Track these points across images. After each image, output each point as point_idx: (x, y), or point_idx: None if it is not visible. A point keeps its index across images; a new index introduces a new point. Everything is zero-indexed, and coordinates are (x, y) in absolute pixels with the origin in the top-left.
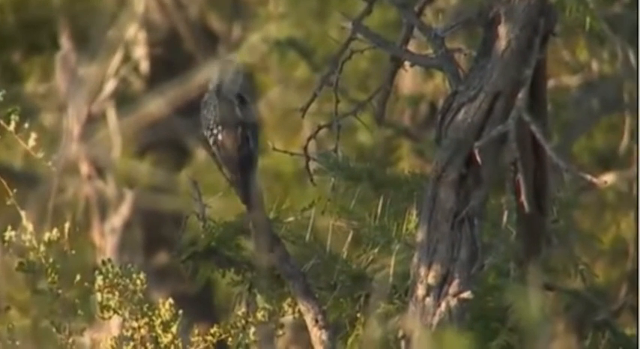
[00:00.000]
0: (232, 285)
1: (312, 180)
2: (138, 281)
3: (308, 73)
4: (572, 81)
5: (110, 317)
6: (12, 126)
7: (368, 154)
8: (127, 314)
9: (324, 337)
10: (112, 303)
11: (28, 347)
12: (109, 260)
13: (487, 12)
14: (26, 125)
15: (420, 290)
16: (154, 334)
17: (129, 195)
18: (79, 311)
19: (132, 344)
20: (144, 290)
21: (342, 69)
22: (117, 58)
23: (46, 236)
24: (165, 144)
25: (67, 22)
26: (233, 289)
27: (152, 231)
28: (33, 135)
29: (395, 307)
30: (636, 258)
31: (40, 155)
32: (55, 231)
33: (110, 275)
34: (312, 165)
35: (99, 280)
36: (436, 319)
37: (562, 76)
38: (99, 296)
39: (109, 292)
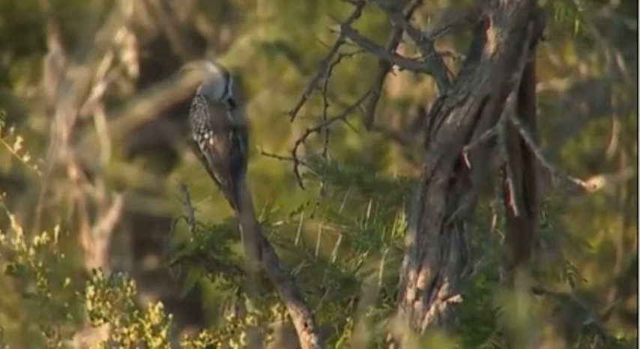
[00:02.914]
0: (221, 289)
1: (301, 184)
2: (128, 289)
3: (297, 76)
4: (560, 84)
5: (100, 325)
6: None
7: (357, 158)
8: (117, 322)
9: (314, 341)
10: (102, 312)
11: None
12: (100, 269)
13: (476, 16)
14: (12, 129)
15: (409, 294)
16: (143, 338)
17: (118, 199)
18: (68, 315)
19: (122, 348)
20: (134, 296)
21: (331, 72)
22: (105, 62)
23: (35, 240)
24: (154, 147)
25: (56, 25)
26: (222, 293)
27: (141, 234)
28: (19, 139)
29: (384, 311)
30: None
31: (27, 159)
32: (44, 234)
33: (102, 286)
34: (301, 169)
35: (90, 291)
36: (425, 323)
37: (551, 79)
38: (89, 305)
39: (99, 301)
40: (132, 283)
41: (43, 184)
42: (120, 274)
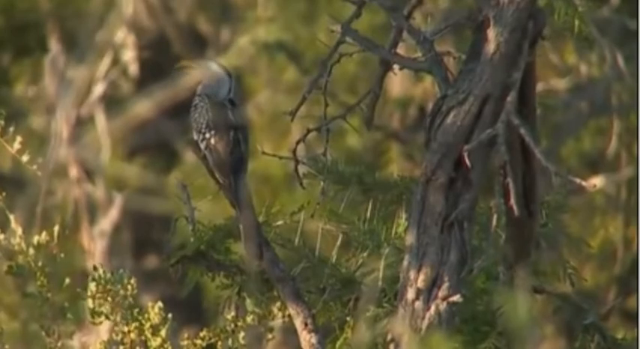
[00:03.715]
0: (221, 289)
1: (301, 183)
2: (129, 287)
3: (297, 76)
4: (560, 84)
5: (101, 323)
6: None
7: (357, 157)
8: (118, 319)
9: (314, 340)
10: (103, 309)
11: None
12: (101, 265)
13: (476, 15)
14: (11, 129)
15: (410, 294)
16: (143, 337)
17: (118, 198)
18: (68, 315)
19: (122, 347)
20: (134, 295)
21: (331, 72)
22: (106, 61)
23: (35, 239)
24: (154, 146)
25: (56, 25)
26: (222, 292)
27: (141, 234)
28: (18, 139)
29: (384, 310)
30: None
31: (26, 158)
32: (44, 234)
33: (103, 282)
34: (302, 169)
35: (92, 286)
36: (425, 322)
37: (551, 79)
38: (90, 302)
39: (100, 298)
40: (132, 281)
41: (43, 183)
42: (121, 271)
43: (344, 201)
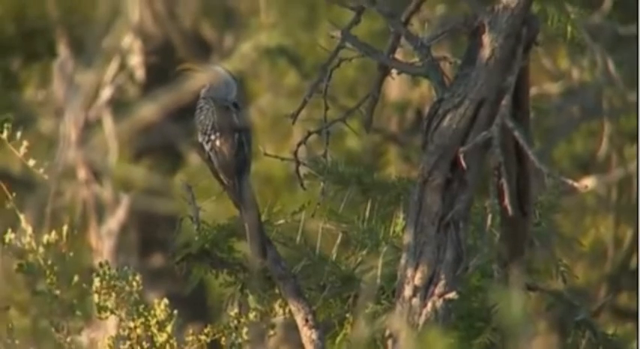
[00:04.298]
0: (225, 286)
1: (302, 184)
2: (134, 283)
3: (298, 80)
4: (553, 88)
5: (107, 318)
6: (4, 135)
7: (356, 159)
8: (123, 315)
9: (314, 336)
10: (109, 304)
11: (28, 346)
12: (107, 262)
13: (472, 21)
14: (19, 133)
15: (407, 291)
16: (149, 333)
17: (125, 199)
18: (77, 312)
19: (128, 343)
20: (140, 291)
21: (331, 76)
22: (113, 66)
23: (45, 238)
24: (160, 148)
25: (65, 31)
26: (226, 290)
27: (147, 233)
28: (25, 143)
29: (382, 307)
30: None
31: (32, 162)
32: (53, 233)
33: (107, 277)
34: (303, 170)
35: (96, 282)
36: (422, 319)
37: (544, 83)
38: (96, 297)
39: (105, 293)
40: (137, 277)
41: (52, 185)
42: (125, 268)
43: (343, 201)
